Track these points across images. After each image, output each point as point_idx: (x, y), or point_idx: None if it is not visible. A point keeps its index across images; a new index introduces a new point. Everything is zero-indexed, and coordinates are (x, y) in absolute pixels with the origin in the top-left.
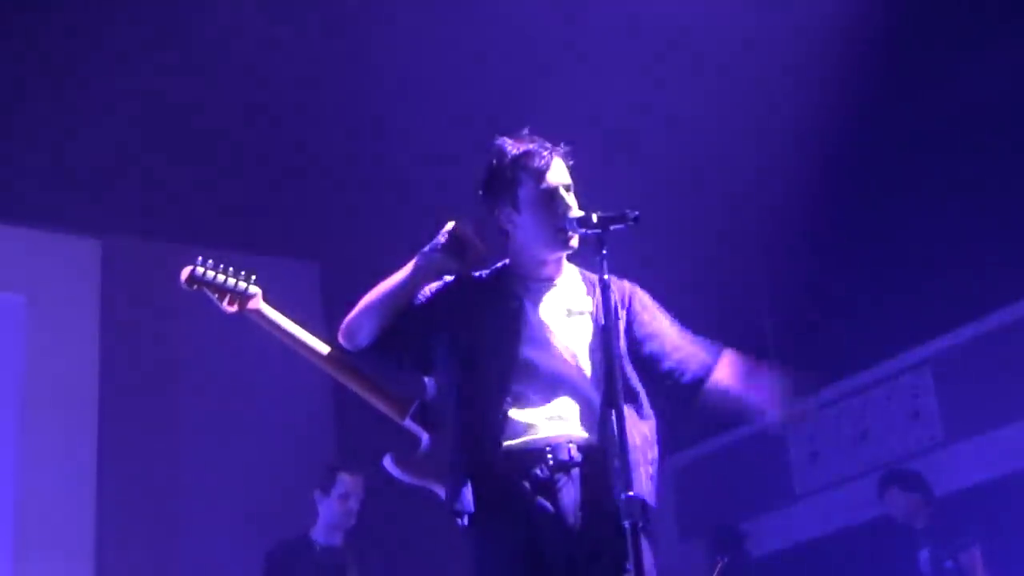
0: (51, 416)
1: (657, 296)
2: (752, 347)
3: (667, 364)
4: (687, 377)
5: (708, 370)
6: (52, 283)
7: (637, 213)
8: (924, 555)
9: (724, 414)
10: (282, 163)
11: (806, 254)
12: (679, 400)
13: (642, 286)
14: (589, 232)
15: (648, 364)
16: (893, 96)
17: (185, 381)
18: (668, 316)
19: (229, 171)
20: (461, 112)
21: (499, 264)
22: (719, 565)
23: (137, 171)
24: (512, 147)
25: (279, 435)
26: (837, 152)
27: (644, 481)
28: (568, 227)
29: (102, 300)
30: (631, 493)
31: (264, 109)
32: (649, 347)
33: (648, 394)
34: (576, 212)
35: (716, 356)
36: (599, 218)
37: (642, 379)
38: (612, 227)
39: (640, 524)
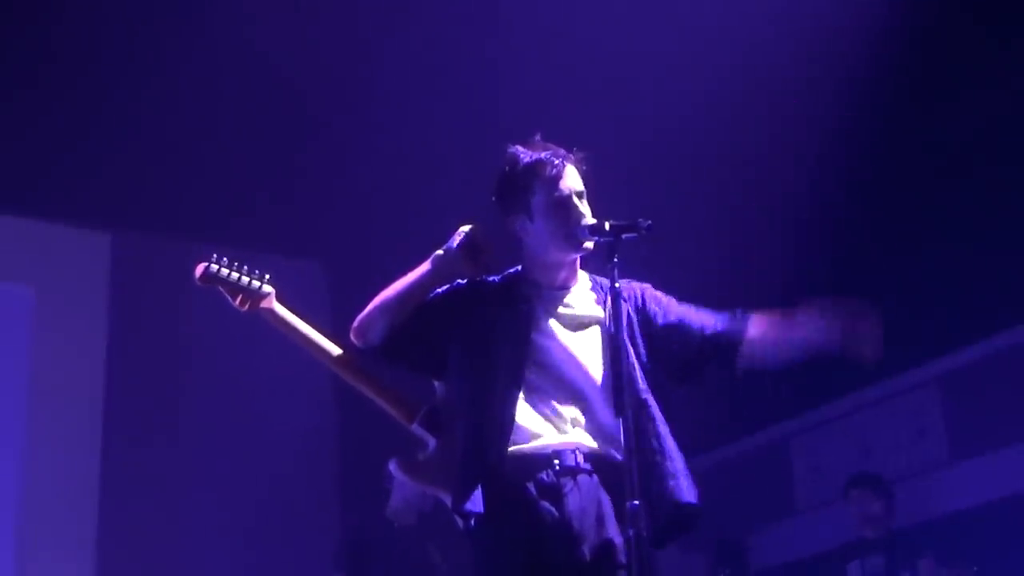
0: (56, 409)
1: None
2: None
3: (700, 337)
4: (725, 339)
5: (745, 323)
6: (61, 276)
7: (650, 222)
8: (864, 564)
9: (777, 360)
10: (290, 162)
11: (816, 268)
12: (727, 367)
13: None
14: (601, 240)
15: (681, 348)
16: (909, 114)
17: (191, 377)
18: (684, 304)
19: (238, 169)
20: (469, 113)
21: (512, 270)
22: None
23: (147, 167)
24: (525, 154)
25: (283, 433)
26: (848, 169)
27: (683, 483)
28: (580, 235)
29: (110, 294)
30: (636, 502)
31: (275, 108)
32: (677, 334)
33: (696, 379)
34: (589, 220)
35: (746, 314)
36: (611, 226)
37: (681, 369)
38: (624, 236)
39: (645, 534)
